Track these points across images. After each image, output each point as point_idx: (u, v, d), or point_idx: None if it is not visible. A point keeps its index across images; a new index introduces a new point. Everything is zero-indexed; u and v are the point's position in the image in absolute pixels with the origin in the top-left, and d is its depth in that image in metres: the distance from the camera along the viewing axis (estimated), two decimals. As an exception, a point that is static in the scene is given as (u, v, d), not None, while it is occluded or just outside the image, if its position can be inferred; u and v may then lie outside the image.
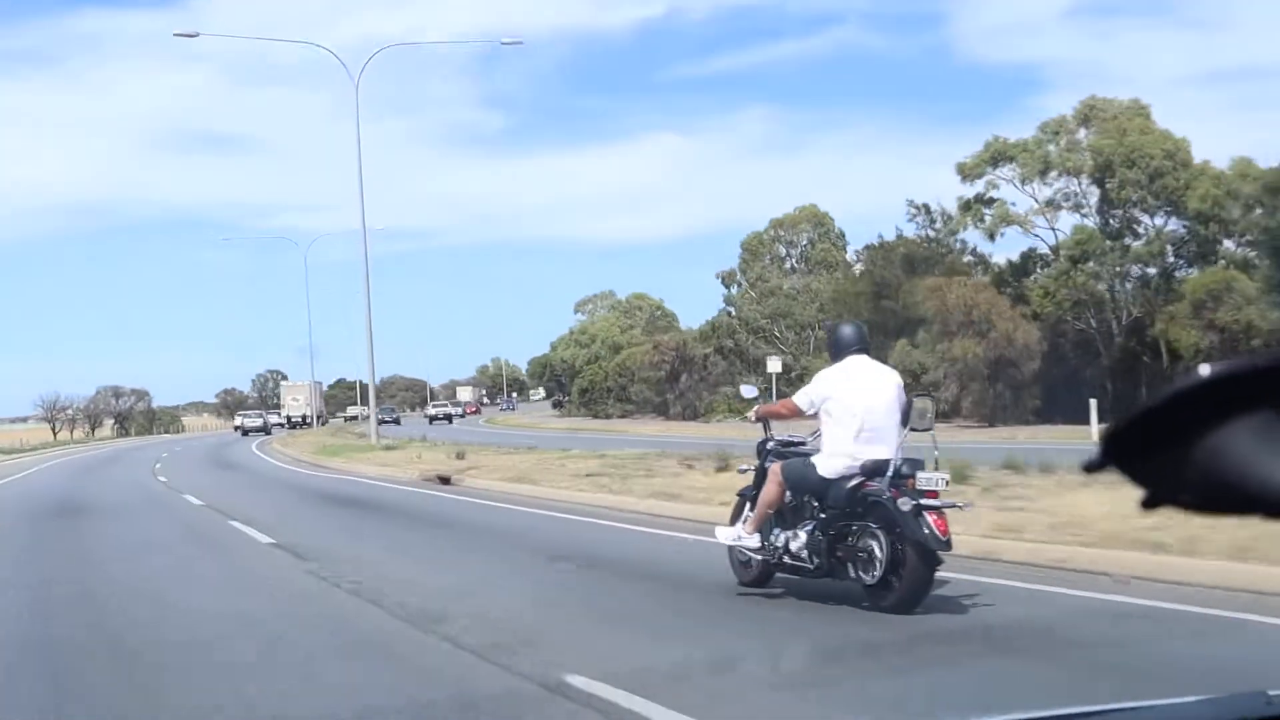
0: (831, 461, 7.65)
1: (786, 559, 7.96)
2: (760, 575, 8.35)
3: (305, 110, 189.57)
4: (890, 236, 53.79)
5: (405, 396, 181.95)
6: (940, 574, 7.61)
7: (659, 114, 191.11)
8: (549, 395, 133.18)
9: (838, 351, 8.04)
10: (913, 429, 7.71)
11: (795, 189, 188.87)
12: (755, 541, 8.16)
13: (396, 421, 78.64)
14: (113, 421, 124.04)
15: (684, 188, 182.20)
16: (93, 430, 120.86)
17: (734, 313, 70.46)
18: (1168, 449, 0.99)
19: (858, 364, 7.87)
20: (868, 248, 57.22)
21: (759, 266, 69.79)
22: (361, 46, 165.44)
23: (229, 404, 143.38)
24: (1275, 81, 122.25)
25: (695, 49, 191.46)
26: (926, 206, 51.96)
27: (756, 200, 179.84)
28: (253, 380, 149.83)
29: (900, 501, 7.24)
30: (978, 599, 7.78)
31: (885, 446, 7.52)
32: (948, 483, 7.66)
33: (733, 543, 8.45)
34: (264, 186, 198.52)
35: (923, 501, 7.26)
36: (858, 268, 61.34)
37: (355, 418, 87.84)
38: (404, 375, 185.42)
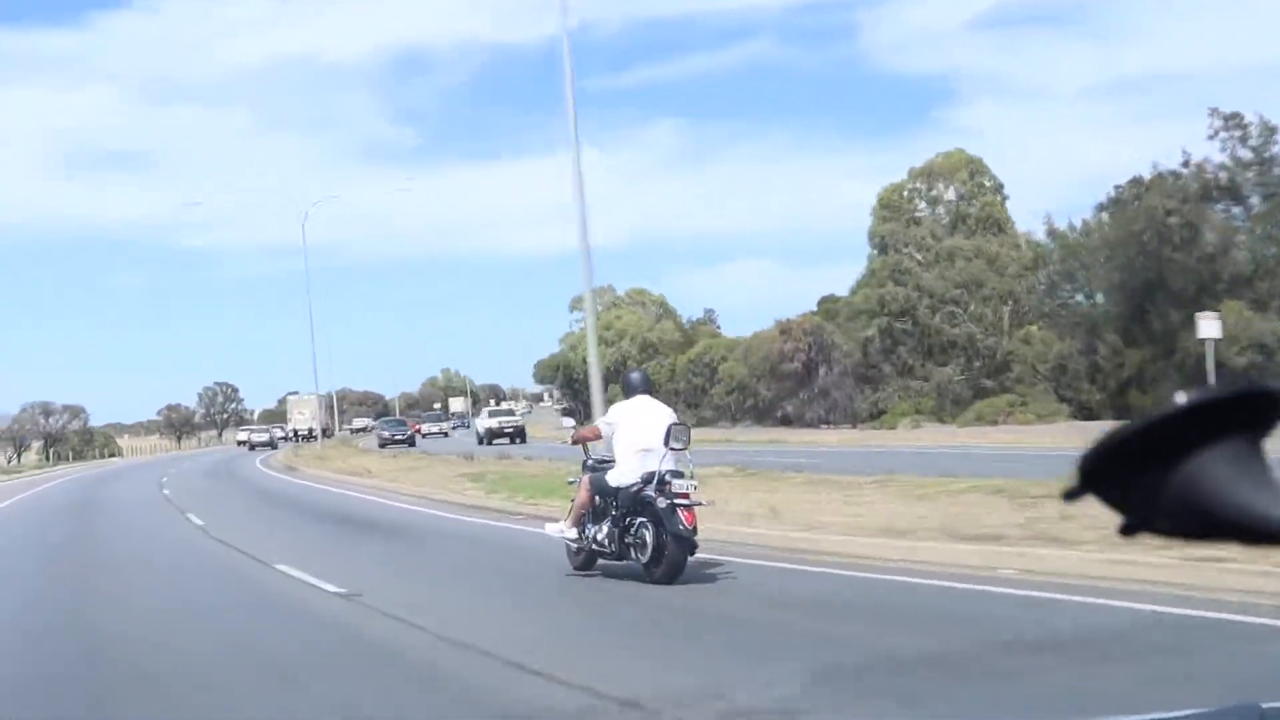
0: (620, 473, 10.52)
1: (594, 546, 10.73)
2: (585, 562, 10.97)
3: (213, 128, 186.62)
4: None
5: (358, 411, 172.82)
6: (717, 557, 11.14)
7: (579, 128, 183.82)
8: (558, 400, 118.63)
9: (629, 392, 11.13)
10: (671, 448, 10.30)
11: (710, 201, 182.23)
12: (574, 534, 10.94)
13: (410, 441, 63.01)
14: (41, 444, 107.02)
15: (597, 201, 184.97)
16: (18, 455, 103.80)
17: (906, 282, 52.67)
18: (1145, 475, 1.02)
19: (641, 402, 10.89)
20: (1118, 189, 41.72)
21: (911, 229, 54.35)
22: (266, 65, 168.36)
23: (174, 422, 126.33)
24: (1180, 88, 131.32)
25: (608, 63, 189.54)
26: (1239, 117, 37.27)
27: (671, 213, 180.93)
28: (200, 394, 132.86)
29: (659, 501, 10.04)
30: (730, 574, 10.65)
31: (655, 461, 10.26)
32: (696, 487, 10.34)
33: (558, 536, 11.31)
34: (172, 204, 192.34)
35: (676, 501, 10.00)
36: (1038, 228, 47.28)
37: (363, 430, 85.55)
38: (353, 389, 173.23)
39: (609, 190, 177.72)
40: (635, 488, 10.32)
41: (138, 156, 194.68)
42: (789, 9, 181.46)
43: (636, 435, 10.51)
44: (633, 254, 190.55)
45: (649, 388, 11.31)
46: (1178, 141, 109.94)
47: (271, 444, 79.17)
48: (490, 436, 54.12)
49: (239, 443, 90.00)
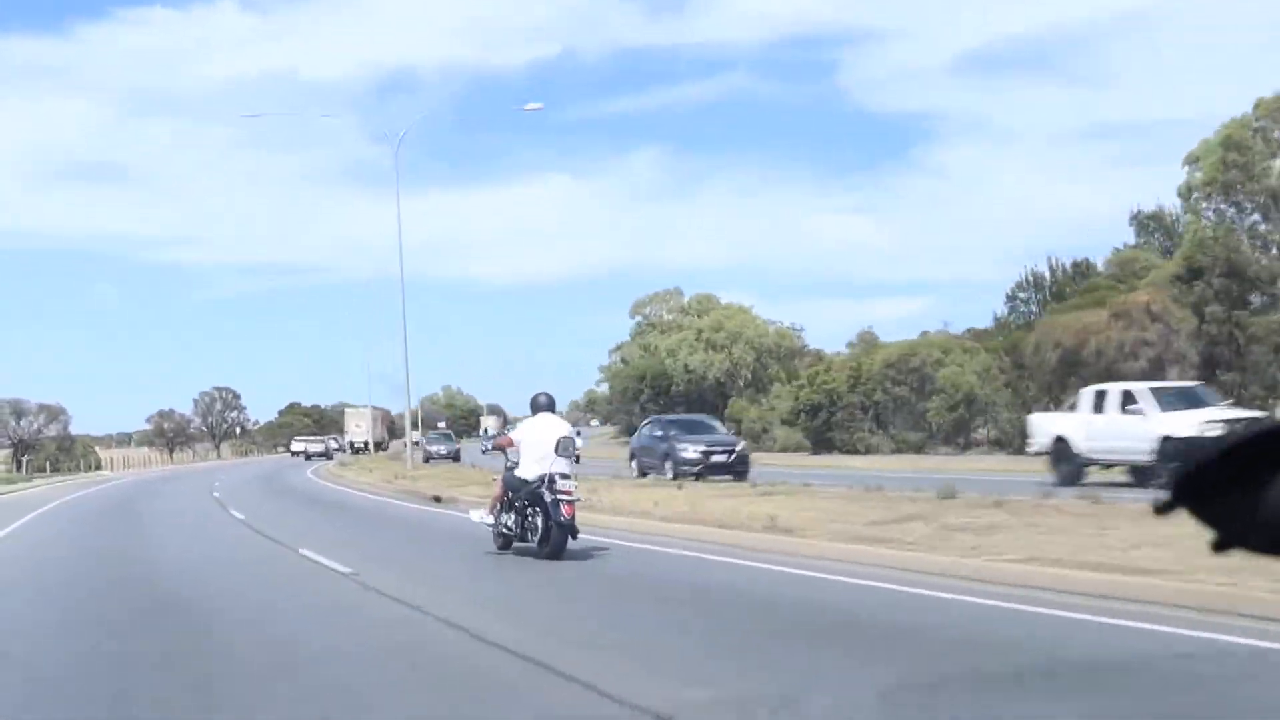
0: (523, 472, 13.47)
1: (504, 530, 13.84)
2: (504, 544, 13.93)
3: (195, 142, 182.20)
4: None
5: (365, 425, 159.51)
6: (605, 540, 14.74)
7: (551, 154, 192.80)
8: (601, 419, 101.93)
9: (534, 410, 14.17)
10: (560, 456, 13.27)
11: (688, 232, 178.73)
12: (491, 520, 14.17)
13: (454, 457, 57.26)
14: (10, 452, 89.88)
15: (575, 229, 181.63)
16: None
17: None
18: (1238, 492, 1.00)
19: (542, 419, 13.91)
20: None
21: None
22: (246, 83, 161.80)
23: (166, 431, 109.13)
24: (1156, 136, 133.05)
25: (589, 91, 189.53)
26: None
27: (648, 243, 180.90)
28: (195, 400, 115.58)
29: (547, 496, 13.03)
30: (607, 551, 14.04)
31: (548, 465, 13.20)
32: (576, 486, 13.48)
33: (478, 521, 14.71)
34: (153, 218, 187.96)
35: (560, 497, 12.99)
36: None
37: (417, 443, 79.98)
38: (354, 402, 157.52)
39: (588, 218, 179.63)
40: (533, 485, 13.27)
41: (117, 168, 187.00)
42: (768, 44, 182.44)
43: (536, 445, 13.49)
44: (610, 283, 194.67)
45: (552, 407, 14.34)
46: (1155, 186, 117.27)
47: (327, 454, 79.38)
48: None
49: (293, 453, 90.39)
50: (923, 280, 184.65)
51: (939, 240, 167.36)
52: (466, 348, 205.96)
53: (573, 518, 13.08)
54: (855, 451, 52.31)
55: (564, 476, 13.19)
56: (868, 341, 71.69)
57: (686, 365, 74.30)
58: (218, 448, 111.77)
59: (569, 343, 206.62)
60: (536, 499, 13.27)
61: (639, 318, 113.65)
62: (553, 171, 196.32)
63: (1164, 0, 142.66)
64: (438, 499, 25.78)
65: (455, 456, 54.66)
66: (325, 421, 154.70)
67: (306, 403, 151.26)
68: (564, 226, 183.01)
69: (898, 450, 51.21)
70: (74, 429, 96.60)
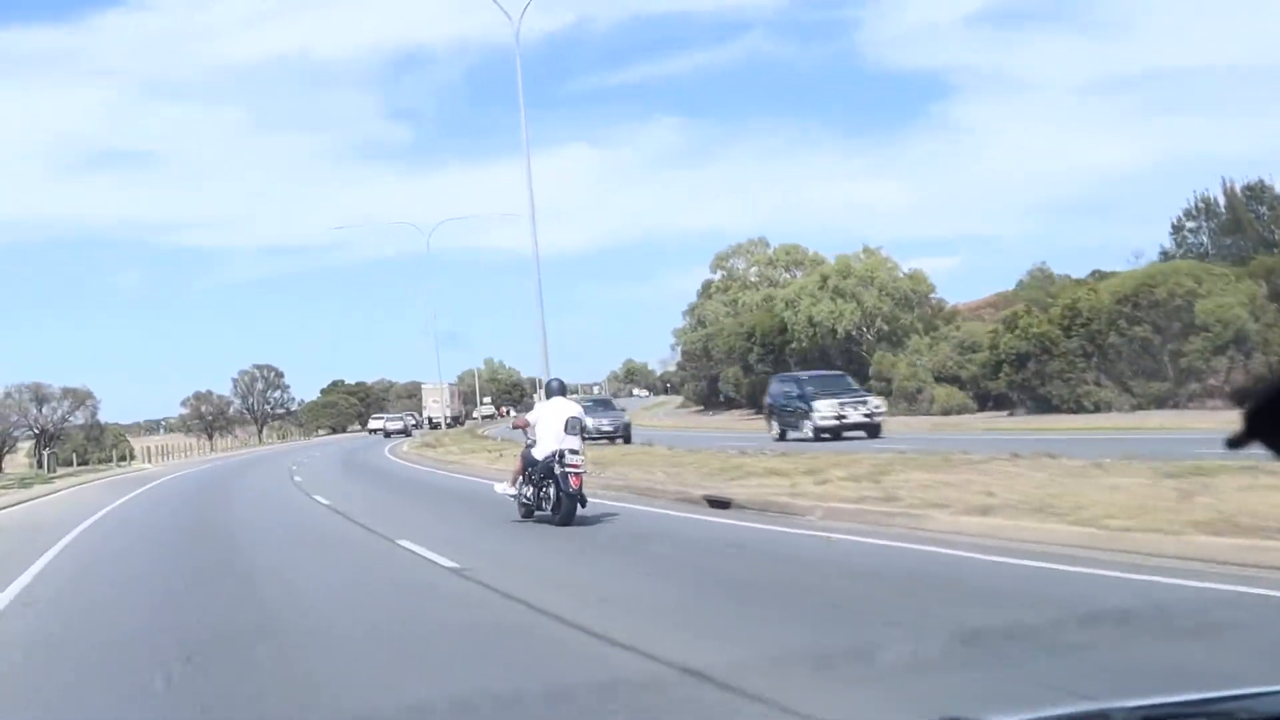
0: (538, 450, 14.66)
1: (524, 501, 15.05)
2: (526, 513, 15.05)
3: (211, 126, 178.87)
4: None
5: (410, 404, 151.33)
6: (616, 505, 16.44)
7: (569, 125, 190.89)
8: (705, 390, 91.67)
9: (547, 395, 16.18)
10: (569, 434, 14.38)
11: (709, 199, 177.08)
12: (514, 491, 15.30)
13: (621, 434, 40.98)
14: (32, 444, 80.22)
15: (596, 199, 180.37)
16: None
17: None
18: None
19: (555, 402, 15.32)
20: None
21: None
22: (260, 63, 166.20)
23: (204, 415, 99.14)
24: (1178, 84, 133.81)
25: (604, 60, 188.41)
26: None
27: (668, 211, 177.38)
28: (235, 380, 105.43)
29: (556, 469, 14.24)
30: (616, 516, 15.25)
31: (559, 442, 14.32)
32: (583, 459, 14.53)
33: (501, 493, 15.87)
34: (170, 203, 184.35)
35: (568, 470, 14.16)
36: None
37: (491, 416, 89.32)
38: (396, 380, 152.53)
39: (605, 188, 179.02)
40: (547, 460, 14.50)
41: (132, 155, 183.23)
42: (784, 5, 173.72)
43: (548, 425, 14.76)
44: (631, 251, 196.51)
45: (563, 391, 16.14)
46: (1176, 137, 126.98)
47: (406, 431, 78.05)
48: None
49: (370, 431, 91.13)
50: (947, 238, 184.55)
51: (962, 198, 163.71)
52: (503, 320, 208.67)
53: (580, 488, 14.32)
54: (1081, 409, 41.63)
55: (573, 452, 14.36)
56: (1041, 278, 60.74)
57: (810, 317, 63.48)
58: (260, 431, 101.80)
59: (597, 312, 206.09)
60: (549, 473, 14.52)
61: (720, 272, 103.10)
62: (570, 142, 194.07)
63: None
64: (720, 503, 15.84)
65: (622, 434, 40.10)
66: (371, 399, 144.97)
67: (350, 380, 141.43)
68: (583, 197, 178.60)
69: (1140, 406, 40.48)
70: (106, 418, 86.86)
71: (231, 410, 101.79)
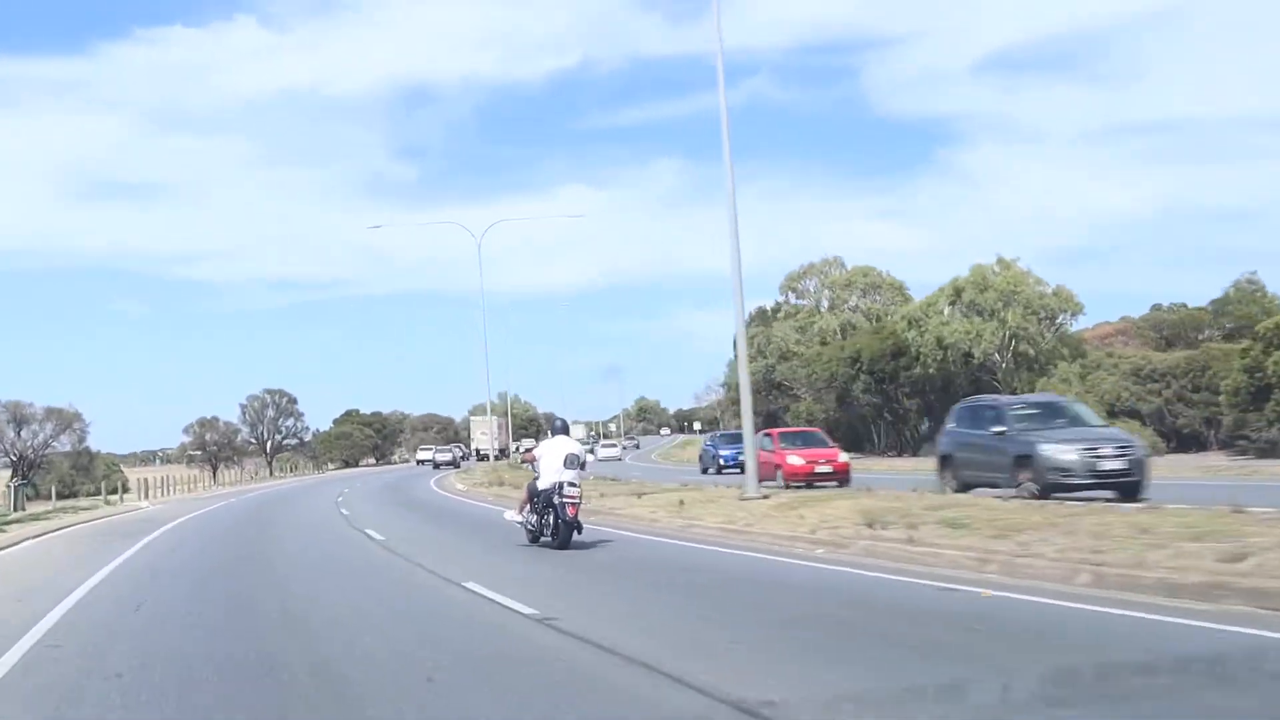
0: (541, 482, 16.12)
1: (529, 527, 16.57)
2: (532, 539, 16.52)
3: (218, 159, 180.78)
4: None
5: (425, 436, 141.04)
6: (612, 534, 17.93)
7: (571, 165, 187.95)
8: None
9: (551, 433, 18.03)
10: (568, 468, 15.82)
11: (708, 241, 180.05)
12: (521, 518, 16.92)
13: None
14: (10, 472, 69.38)
15: (595, 239, 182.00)
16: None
17: None
18: None
19: (556, 439, 16.65)
20: None
21: None
22: (268, 97, 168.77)
23: (208, 444, 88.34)
24: (1183, 134, 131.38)
25: (607, 100, 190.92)
26: None
27: (668, 252, 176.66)
28: (243, 406, 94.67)
29: (555, 500, 15.83)
30: (610, 543, 16.59)
31: (559, 475, 15.83)
32: (580, 492, 16.12)
33: (510, 519, 18.22)
34: (176, 234, 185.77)
35: (565, 500, 15.74)
36: None
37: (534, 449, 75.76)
38: (410, 412, 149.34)
39: (608, 228, 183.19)
40: (548, 491, 16.02)
41: (139, 186, 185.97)
42: (789, 50, 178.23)
43: (550, 460, 16.12)
44: (636, 290, 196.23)
45: (566, 430, 17.43)
46: (1183, 183, 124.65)
47: (455, 463, 78.14)
48: None
49: (419, 462, 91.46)
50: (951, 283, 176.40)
51: (967, 242, 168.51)
52: (519, 357, 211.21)
53: (575, 516, 15.87)
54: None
55: (571, 485, 15.92)
56: (1249, 288, 50.34)
57: (940, 338, 52.96)
58: (270, 462, 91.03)
59: (601, 350, 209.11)
60: (550, 502, 16.06)
61: (787, 295, 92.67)
62: (572, 182, 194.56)
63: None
64: None
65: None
66: (388, 431, 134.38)
67: (365, 410, 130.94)
68: (584, 236, 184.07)
69: None
70: (97, 446, 76.24)
71: (239, 439, 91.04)
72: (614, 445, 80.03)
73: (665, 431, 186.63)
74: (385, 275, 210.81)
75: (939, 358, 53.57)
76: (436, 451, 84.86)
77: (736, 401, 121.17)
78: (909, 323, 55.43)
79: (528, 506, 16.71)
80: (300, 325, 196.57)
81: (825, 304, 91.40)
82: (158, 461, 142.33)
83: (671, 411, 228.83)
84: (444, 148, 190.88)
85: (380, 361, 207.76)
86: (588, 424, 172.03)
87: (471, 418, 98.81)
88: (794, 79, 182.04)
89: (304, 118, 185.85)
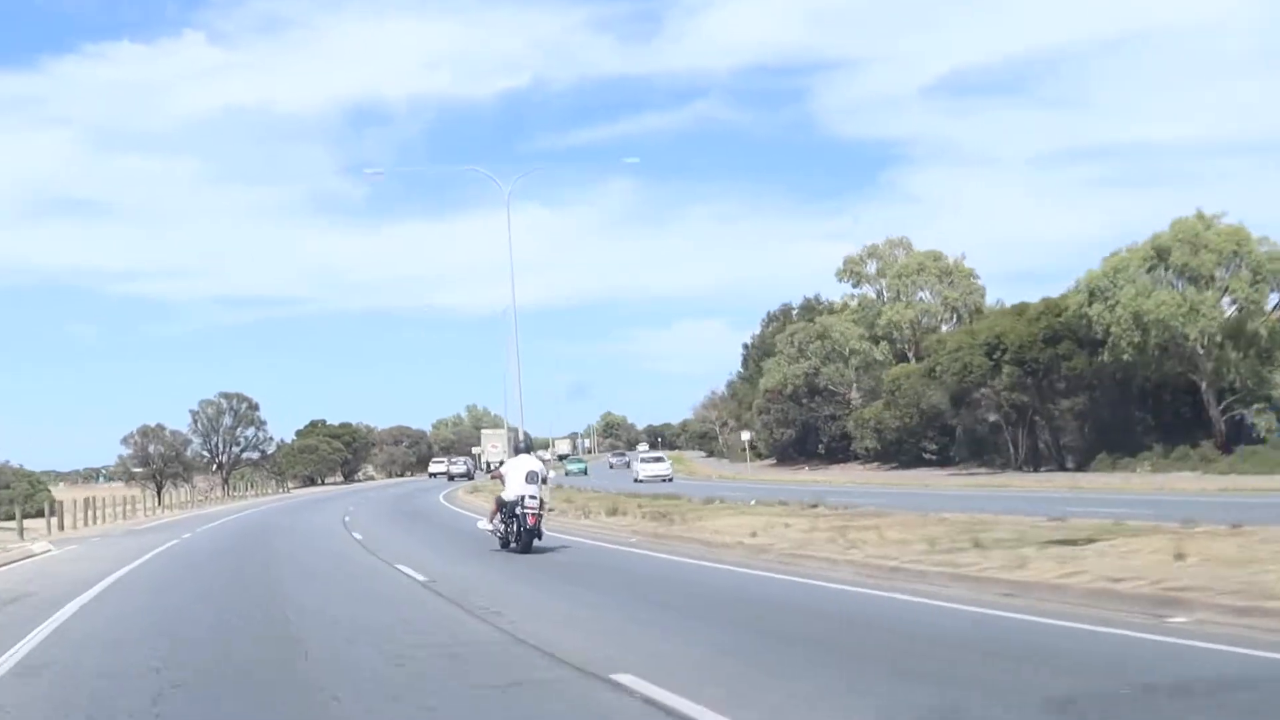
0: (506, 494, 18.42)
1: (499, 535, 18.72)
2: (502, 544, 18.61)
3: (168, 176, 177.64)
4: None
5: (396, 451, 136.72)
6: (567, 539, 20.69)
7: (523, 185, 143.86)
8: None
9: (515, 452, 20.00)
10: (529, 483, 18.14)
11: (664, 261, 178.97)
12: (491, 526, 19.13)
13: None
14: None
15: (548, 260, 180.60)
16: None
17: None
18: None
19: (520, 458, 19.07)
20: None
21: None
22: (215, 116, 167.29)
23: (152, 459, 73.18)
24: (1131, 159, 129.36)
25: (559, 121, 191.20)
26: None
27: (621, 272, 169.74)
28: (194, 413, 79.44)
29: (516, 508, 18.13)
30: (568, 549, 19.08)
31: (522, 489, 18.13)
32: (542, 503, 18.68)
33: (481, 527, 20.08)
34: (124, 252, 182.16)
35: (526, 510, 18.05)
36: None
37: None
38: (377, 425, 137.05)
39: (561, 249, 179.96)
40: (513, 503, 18.24)
41: (87, 204, 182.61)
42: (738, 72, 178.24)
43: (515, 475, 18.36)
44: (585, 311, 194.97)
45: (529, 450, 20.65)
46: (1130, 206, 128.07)
47: (469, 475, 79.31)
48: None
49: (431, 475, 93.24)
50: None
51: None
52: (484, 373, 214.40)
53: (536, 524, 18.26)
54: None
55: (531, 498, 18.19)
56: None
57: (1138, 313, 39.39)
58: (226, 479, 76.11)
59: (558, 368, 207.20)
60: (514, 513, 18.28)
61: (848, 281, 79.02)
62: (523, 201, 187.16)
63: (1139, 25, 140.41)
64: None
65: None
66: (357, 444, 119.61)
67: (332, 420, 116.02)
68: (537, 257, 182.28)
69: None
70: (26, 464, 61.28)
71: (189, 451, 75.99)
72: (661, 460, 63.10)
73: (643, 447, 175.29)
74: (338, 292, 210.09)
75: (1134, 340, 40.02)
76: (450, 464, 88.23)
77: (742, 414, 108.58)
78: (1091, 294, 41.70)
79: (497, 516, 18.91)
80: (253, 343, 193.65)
81: (876, 292, 77.99)
82: (102, 479, 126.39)
83: (640, 427, 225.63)
84: (395, 166, 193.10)
85: (340, 375, 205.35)
86: (569, 438, 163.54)
87: (483, 431, 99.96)
88: (745, 101, 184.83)
89: (253, 136, 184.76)
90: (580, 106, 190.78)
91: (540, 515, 18.43)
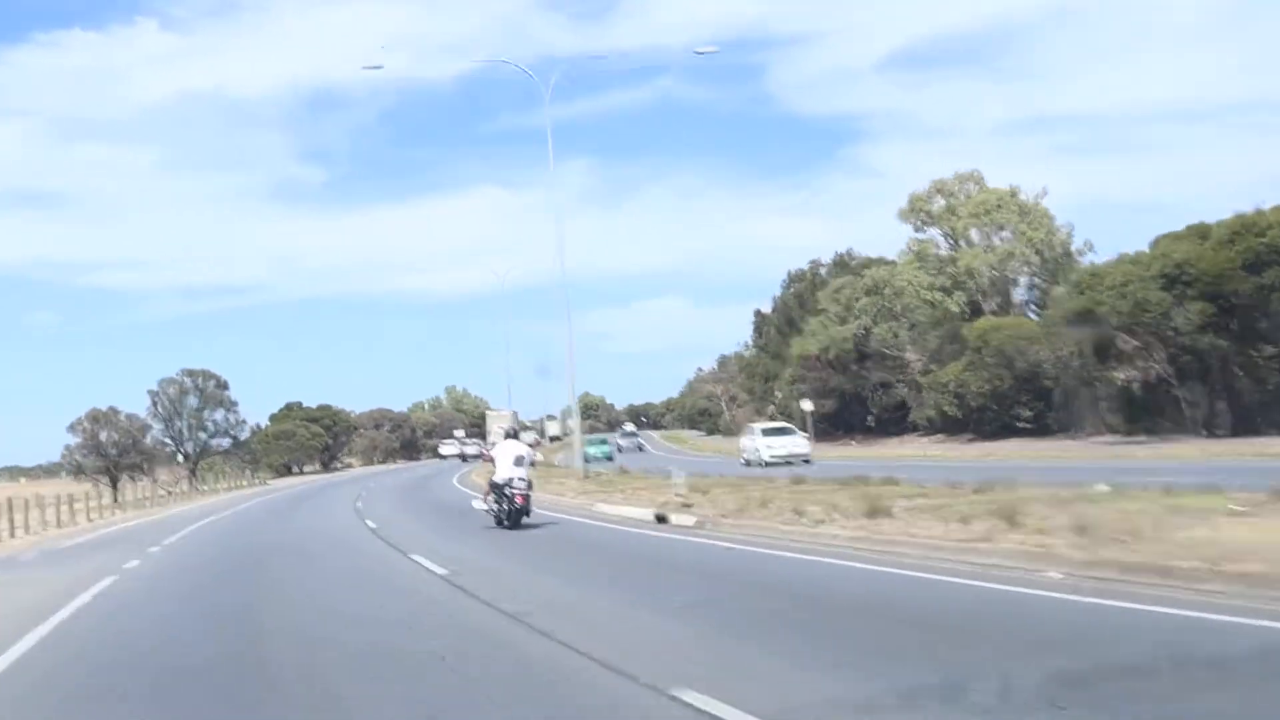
0: (497, 476, 20.15)
1: (492, 513, 20.27)
2: (496, 522, 20.09)
3: (125, 164, 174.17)
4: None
5: (378, 436, 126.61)
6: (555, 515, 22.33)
7: (482, 167, 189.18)
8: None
9: (505, 437, 21.84)
10: (516, 466, 19.94)
11: (622, 240, 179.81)
12: (485, 506, 20.81)
13: None
14: None
15: (510, 241, 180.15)
16: None
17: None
18: None
19: (508, 442, 21.00)
20: None
21: None
22: (172, 103, 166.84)
23: (104, 447, 62.14)
24: (1090, 128, 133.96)
25: (516, 101, 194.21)
26: None
27: (583, 252, 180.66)
28: (154, 394, 68.23)
29: (505, 489, 19.85)
30: (553, 525, 20.30)
31: (510, 472, 19.89)
32: (530, 484, 20.21)
33: (477, 507, 22.06)
34: (83, 242, 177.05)
35: (514, 491, 19.73)
36: None
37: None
38: (352, 410, 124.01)
39: (521, 229, 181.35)
40: (502, 484, 19.99)
41: (44, 195, 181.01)
42: (692, 49, 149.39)
43: (504, 459, 20.30)
44: (547, 291, 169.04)
45: (516, 435, 22.20)
46: (1090, 176, 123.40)
47: (482, 456, 75.65)
48: None
49: (442, 456, 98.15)
50: None
51: (875, 238, 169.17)
52: (459, 355, 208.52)
53: (524, 504, 19.93)
54: None
55: (520, 479, 19.93)
56: None
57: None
58: (194, 470, 65.20)
59: (521, 350, 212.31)
60: (503, 493, 20.00)
61: (913, 223, 68.63)
62: (483, 184, 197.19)
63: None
64: None
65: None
66: (339, 429, 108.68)
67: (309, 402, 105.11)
68: (499, 238, 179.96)
69: None
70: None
71: (149, 439, 64.82)
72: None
73: (630, 427, 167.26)
74: (302, 279, 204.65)
75: None
76: (463, 445, 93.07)
77: (757, 387, 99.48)
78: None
79: (490, 496, 20.60)
80: (219, 330, 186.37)
81: (944, 235, 67.79)
82: (64, 475, 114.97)
83: (620, 407, 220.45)
84: (352, 151, 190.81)
85: (309, 361, 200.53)
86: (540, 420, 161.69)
87: (488, 412, 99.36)
88: (703, 77, 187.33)
89: (209, 122, 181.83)
90: (537, 86, 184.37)
91: (528, 495, 20.12)
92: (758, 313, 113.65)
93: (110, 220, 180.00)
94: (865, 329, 72.40)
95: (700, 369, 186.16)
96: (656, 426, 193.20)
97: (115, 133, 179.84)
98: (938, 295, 63.65)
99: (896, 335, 72.30)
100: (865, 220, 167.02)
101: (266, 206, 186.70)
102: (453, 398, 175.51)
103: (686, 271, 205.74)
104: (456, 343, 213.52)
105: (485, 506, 20.86)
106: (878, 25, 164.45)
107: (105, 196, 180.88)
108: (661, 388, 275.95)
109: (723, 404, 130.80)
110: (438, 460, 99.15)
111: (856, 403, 79.54)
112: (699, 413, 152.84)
